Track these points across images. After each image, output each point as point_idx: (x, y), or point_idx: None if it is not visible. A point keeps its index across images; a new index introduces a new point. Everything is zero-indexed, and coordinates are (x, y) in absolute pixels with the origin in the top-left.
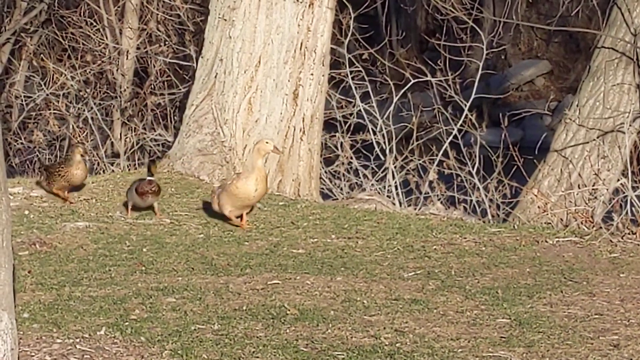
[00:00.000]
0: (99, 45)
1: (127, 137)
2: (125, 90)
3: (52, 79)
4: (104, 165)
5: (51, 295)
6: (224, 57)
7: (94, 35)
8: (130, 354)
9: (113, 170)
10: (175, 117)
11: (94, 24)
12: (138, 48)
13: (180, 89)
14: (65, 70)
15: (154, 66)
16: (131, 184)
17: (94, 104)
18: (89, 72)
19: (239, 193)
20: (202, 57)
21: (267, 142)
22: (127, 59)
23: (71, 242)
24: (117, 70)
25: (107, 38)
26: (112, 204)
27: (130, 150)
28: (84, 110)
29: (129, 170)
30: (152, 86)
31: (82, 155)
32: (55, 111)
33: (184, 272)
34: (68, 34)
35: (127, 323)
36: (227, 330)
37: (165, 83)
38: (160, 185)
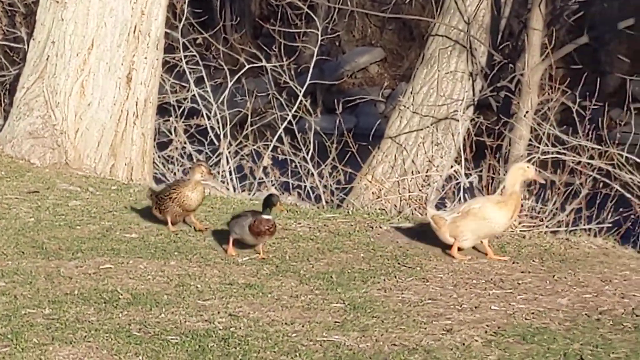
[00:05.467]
0: None
1: None
2: None
3: None
4: None
5: None
6: (56, 39)
7: None
8: None
9: None
10: (5, 100)
11: None
12: None
13: (10, 71)
14: None
15: None
16: (237, 216)
17: None
18: None
19: (492, 219)
20: (33, 39)
21: (528, 167)
22: None
23: None
24: None
25: None
26: None
27: None
28: None
29: None
30: None
31: (202, 176)
32: None
33: (13, 256)
34: None
35: None
36: (59, 314)
37: None
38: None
